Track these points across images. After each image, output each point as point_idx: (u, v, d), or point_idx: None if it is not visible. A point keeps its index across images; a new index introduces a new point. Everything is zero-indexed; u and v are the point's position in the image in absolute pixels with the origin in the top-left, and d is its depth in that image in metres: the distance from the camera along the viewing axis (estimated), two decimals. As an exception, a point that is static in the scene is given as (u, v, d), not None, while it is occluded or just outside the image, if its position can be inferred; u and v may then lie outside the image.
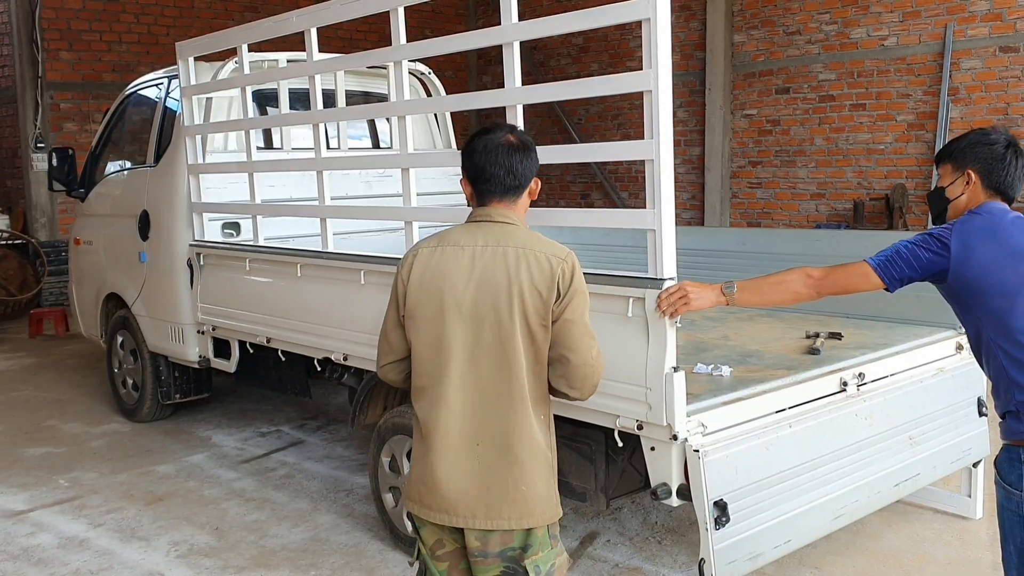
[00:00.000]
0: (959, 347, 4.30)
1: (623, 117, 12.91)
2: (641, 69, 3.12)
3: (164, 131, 6.13)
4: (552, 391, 2.53)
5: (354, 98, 6.35)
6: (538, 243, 2.48)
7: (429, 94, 6.46)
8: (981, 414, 4.25)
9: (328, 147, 6.05)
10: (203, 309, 5.69)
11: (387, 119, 6.51)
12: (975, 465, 4.41)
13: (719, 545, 3.14)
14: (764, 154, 11.46)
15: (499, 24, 3.61)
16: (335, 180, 5.26)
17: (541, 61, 13.89)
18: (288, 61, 5.84)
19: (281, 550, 4.50)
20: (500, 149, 2.51)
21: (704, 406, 3.31)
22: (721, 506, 3.13)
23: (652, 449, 3.25)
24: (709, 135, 11.81)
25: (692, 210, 12.21)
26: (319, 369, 5.00)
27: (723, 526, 3.13)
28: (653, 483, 3.26)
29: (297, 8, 4.99)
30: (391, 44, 4.16)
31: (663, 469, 3.22)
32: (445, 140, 6.78)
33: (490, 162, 2.51)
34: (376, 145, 6.87)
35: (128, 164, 6.71)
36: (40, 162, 11.26)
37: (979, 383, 4.21)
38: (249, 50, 5.25)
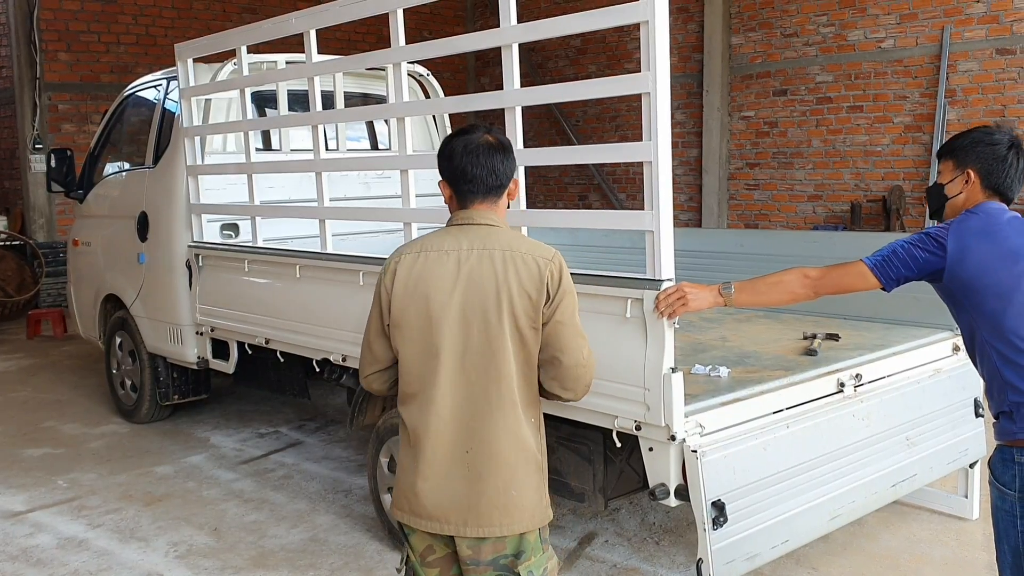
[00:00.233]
0: (956, 348, 4.31)
1: (621, 119, 12.93)
2: (639, 71, 3.13)
3: (163, 132, 6.13)
4: (544, 393, 2.52)
5: (353, 100, 6.37)
6: (524, 244, 2.46)
7: (428, 96, 6.47)
8: (978, 415, 4.26)
9: (327, 148, 6.06)
10: (202, 310, 5.69)
11: (386, 121, 6.52)
12: (972, 466, 4.43)
13: (717, 545, 3.15)
14: (761, 156, 11.48)
15: (498, 26, 3.63)
16: (334, 181, 5.27)
17: (539, 63, 13.91)
18: (287, 63, 5.85)
19: (280, 550, 4.51)
20: (480, 149, 2.47)
21: (702, 407, 3.32)
22: (719, 506, 3.14)
23: (650, 450, 3.26)
24: (707, 137, 11.83)
25: (690, 211, 12.23)
26: (318, 370, 5.00)
27: (721, 526, 3.14)
28: (651, 483, 3.27)
29: (296, 10, 5.01)
30: (390, 46, 4.17)
31: (661, 469, 3.23)
32: (443, 141, 6.78)
33: (472, 163, 2.47)
34: (375, 146, 6.88)
35: (127, 165, 6.72)
36: (38, 163, 11.26)
37: (976, 384, 4.22)
38: (248, 51, 5.26)
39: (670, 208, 3.15)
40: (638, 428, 3.25)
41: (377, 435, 4.48)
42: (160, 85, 6.37)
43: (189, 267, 5.79)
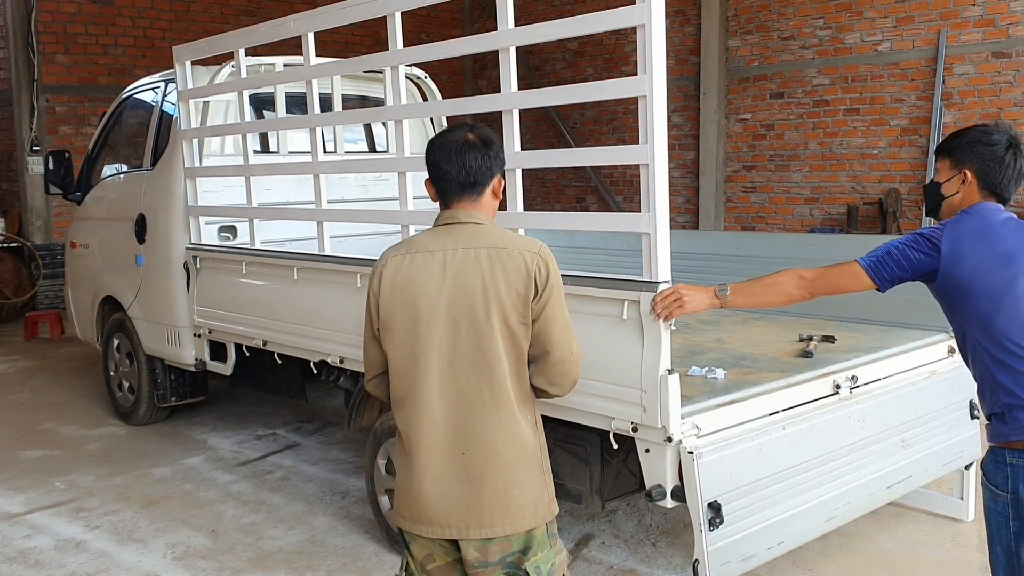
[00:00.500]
0: (951, 350, 4.33)
1: (618, 121, 12.95)
2: (636, 74, 3.14)
3: (161, 135, 6.14)
4: (532, 389, 2.50)
5: (351, 102, 6.38)
6: (509, 240, 2.44)
7: (425, 98, 6.49)
8: (973, 417, 4.27)
9: (324, 151, 6.07)
10: (199, 312, 5.70)
11: (383, 123, 6.53)
12: (967, 467, 4.44)
13: (713, 546, 3.16)
14: (758, 158, 11.50)
15: (495, 29, 3.64)
16: (331, 184, 5.29)
17: (536, 65, 13.93)
18: (285, 65, 5.86)
19: (277, 552, 4.52)
20: (453, 146, 2.46)
21: (698, 408, 3.34)
22: (715, 507, 3.15)
23: (647, 451, 3.27)
24: (704, 139, 11.85)
25: (687, 214, 12.25)
26: (315, 372, 5.01)
27: (717, 527, 3.15)
28: (648, 485, 3.28)
29: (294, 12, 5.02)
30: (387, 48, 4.18)
31: (658, 471, 3.24)
32: (441, 144, 6.79)
33: (443, 159, 2.47)
34: (372, 148, 6.89)
35: (124, 167, 6.72)
36: (36, 165, 11.25)
37: (971, 386, 4.18)
38: (246, 54, 5.27)
39: (666, 211, 3.16)
40: (635, 430, 3.26)
41: (375, 437, 4.49)
42: (158, 87, 6.38)
43: (187, 269, 5.80)
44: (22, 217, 11.92)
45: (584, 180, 13.60)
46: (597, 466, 3.63)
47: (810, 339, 4.32)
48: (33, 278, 11.35)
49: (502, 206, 2.75)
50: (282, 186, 5.91)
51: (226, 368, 5.69)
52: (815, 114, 10.89)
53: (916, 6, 9.90)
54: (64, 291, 7.89)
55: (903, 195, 10.04)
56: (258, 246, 5.34)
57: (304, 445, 6.21)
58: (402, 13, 4.10)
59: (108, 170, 6.90)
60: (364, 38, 12.47)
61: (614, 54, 13.01)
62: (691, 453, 3.15)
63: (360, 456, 5.55)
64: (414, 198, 4.32)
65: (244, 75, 5.25)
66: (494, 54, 3.69)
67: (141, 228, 6.19)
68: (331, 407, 6.93)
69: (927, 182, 2.91)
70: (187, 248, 5.79)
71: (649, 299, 3.15)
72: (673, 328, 3.20)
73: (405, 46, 4.15)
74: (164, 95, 6.23)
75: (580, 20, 3.46)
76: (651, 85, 3.09)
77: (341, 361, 4.61)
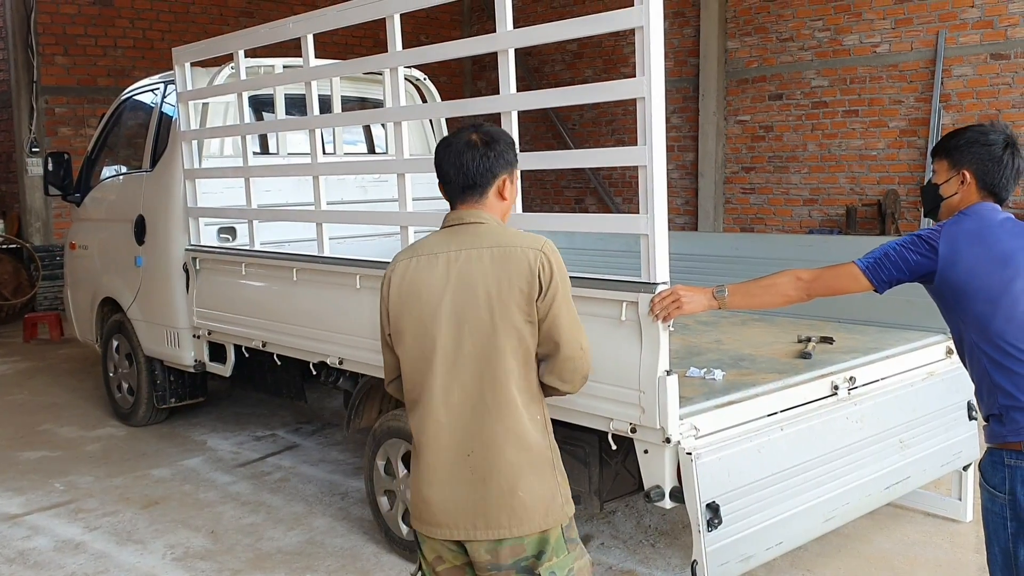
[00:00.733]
0: (949, 352, 4.34)
1: (617, 123, 12.96)
2: (635, 76, 3.15)
3: (160, 136, 6.15)
4: (541, 388, 2.48)
5: (350, 103, 6.39)
6: (513, 238, 2.41)
7: (424, 99, 6.49)
8: (971, 418, 4.27)
9: (324, 152, 6.08)
10: (199, 313, 5.70)
11: (383, 124, 6.54)
12: (965, 468, 4.44)
13: (711, 547, 3.16)
14: (757, 160, 11.51)
15: (494, 31, 3.65)
16: (331, 185, 5.29)
17: (535, 67, 13.93)
18: (284, 67, 5.87)
19: (277, 553, 4.52)
20: (454, 147, 2.46)
21: (697, 409, 3.34)
22: (713, 508, 3.16)
23: (645, 452, 3.28)
24: (703, 141, 11.85)
25: (686, 215, 12.25)
26: (314, 373, 5.02)
27: (715, 528, 3.16)
28: (646, 486, 3.29)
29: (293, 14, 5.02)
30: (387, 50, 4.19)
31: (656, 472, 3.25)
32: (440, 145, 6.80)
33: (444, 161, 2.47)
34: (371, 150, 6.90)
35: (124, 169, 6.73)
36: (35, 166, 11.25)
37: (969, 387, 4.18)
38: (245, 55, 5.27)
39: (664, 212, 3.17)
40: (633, 431, 3.26)
41: (374, 438, 4.49)
42: (157, 89, 6.38)
43: (186, 270, 5.80)
44: (21, 218, 11.92)
45: (583, 181, 13.60)
46: (596, 467, 3.63)
47: (808, 340, 4.33)
48: (32, 279, 11.35)
49: None
50: (281, 187, 5.91)
51: (225, 369, 5.70)
52: (814, 115, 10.90)
53: (915, 8, 9.91)
54: (63, 292, 7.89)
55: (901, 196, 10.05)
56: (257, 247, 5.35)
57: (303, 446, 6.22)
58: (401, 15, 4.11)
59: (107, 171, 6.91)
60: (363, 40, 12.48)
61: (613, 56, 13.02)
62: (689, 454, 3.15)
63: (359, 457, 5.56)
64: (413, 199, 4.33)
65: (243, 76, 5.25)
66: (493, 56, 3.69)
67: (140, 229, 6.20)
68: (330, 408, 6.93)
69: (924, 184, 2.90)
70: (186, 249, 5.80)
71: (647, 300, 3.15)
72: (671, 329, 3.20)
73: (404, 48, 4.16)
74: (163, 97, 6.23)
75: (579, 22, 3.46)
76: (649, 87, 3.09)
77: (340, 362, 4.62)
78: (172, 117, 6.00)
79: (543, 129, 13.88)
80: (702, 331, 4.82)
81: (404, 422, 4.28)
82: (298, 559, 4.44)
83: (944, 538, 4.46)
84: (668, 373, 3.15)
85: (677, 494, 3.21)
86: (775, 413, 3.57)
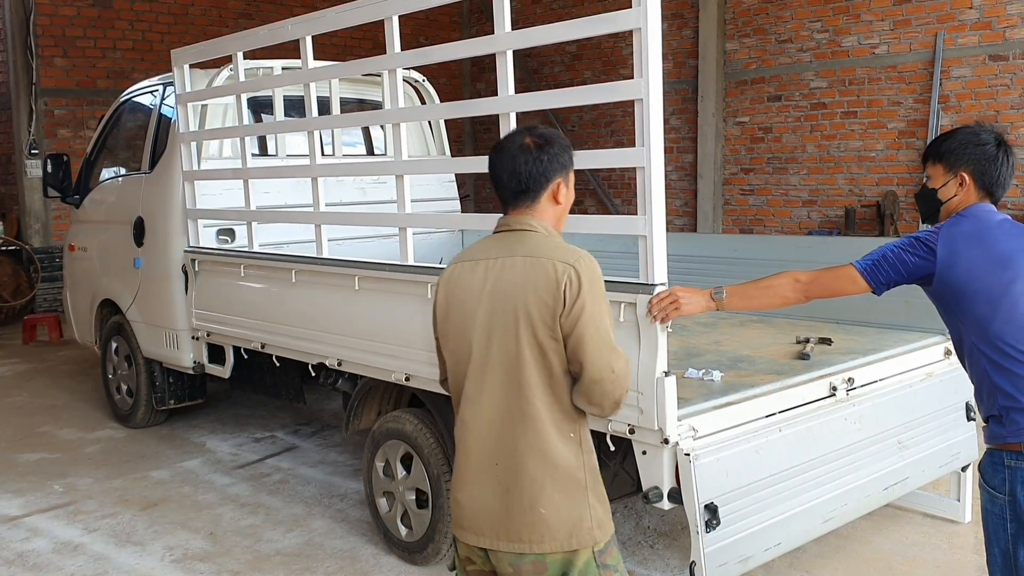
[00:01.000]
0: (948, 353, 4.34)
1: (616, 124, 12.97)
2: (633, 77, 3.15)
3: (159, 138, 6.15)
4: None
5: (349, 105, 6.39)
6: (549, 249, 2.32)
7: (423, 101, 6.49)
8: (969, 419, 4.28)
9: (323, 154, 6.09)
10: (198, 315, 5.70)
11: (381, 126, 6.54)
12: (963, 469, 4.45)
13: (710, 548, 3.16)
14: (756, 161, 11.52)
15: (493, 32, 3.65)
16: (329, 186, 5.30)
17: (534, 68, 13.95)
18: (283, 68, 5.87)
19: (275, 555, 4.52)
20: (507, 151, 2.40)
21: (695, 410, 3.34)
22: (712, 509, 3.16)
23: (644, 453, 3.27)
24: (701, 142, 11.87)
25: (685, 216, 12.26)
26: (313, 375, 5.01)
27: (714, 529, 3.16)
28: (645, 487, 3.29)
29: (292, 16, 5.03)
30: (385, 52, 4.19)
31: (654, 473, 3.25)
32: (439, 147, 6.81)
33: (497, 165, 2.42)
34: (370, 151, 6.90)
35: (123, 171, 6.73)
36: (34, 168, 11.26)
37: (967, 388, 4.19)
38: (244, 57, 5.28)
39: (663, 213, 3.17)
40: (631, 432, 3.27)
41: (373, 439, 4.49)
42: (156, 91, 6.39)
43: (185, 272, 5.80)
44: (20, 220, 11.92)
45: (582, 182, 13.60)
46: (594, 468, 3.63)
47: (807, 341, 4.34)
48: (31, 281, 11.35)
49: None
50: (280, 189, 5.91)
51: (224, 371, 5.70)
52: (813, 117, 10.91)
53: (913, 9, 9.92)
54: (62, 294, 7.89)
55: (900, 198, 10.05)
56: (256, 249, 5.35)
57: (302, 448, 6.22)
58: (400, 16, 4.11)
59: (106, 173, 6.91)
60: (362, 41, 12.47)
61: (612, 57, 13.04)
62: (688, 455, 3.15)
63: (358, 459, 5.56)
64: (412, 201, 4.33)
65: (242, 78, 5.25)
66: (492, 57, 3.70)
67: (139, 231, 6.20)
68: (329, 410, 6.93)
69: (919, 190, 2.90)
70: (185, 251, 5.80)
71: (646, 301, 3.15)
72: (670, 330, 3.20)
73: (403, 49, 4.17)
74: (162, 98, 6.24)
75: (577, 23, 3.46)
76: (647, 88, 3.09)
77: (339, 364, 4.62)
78: (171, 119, 6.00)
79: (542, 130, 13.86)
80: (700, 332, 4.82)
81: (403, 424, 4.29)
82: (297, 561, 4.44)
83: (943, 539, 4.46)
84: (666, 374, 3.16)
85: (675, 495, 3.21)
86: (774, 414, 3.57)
